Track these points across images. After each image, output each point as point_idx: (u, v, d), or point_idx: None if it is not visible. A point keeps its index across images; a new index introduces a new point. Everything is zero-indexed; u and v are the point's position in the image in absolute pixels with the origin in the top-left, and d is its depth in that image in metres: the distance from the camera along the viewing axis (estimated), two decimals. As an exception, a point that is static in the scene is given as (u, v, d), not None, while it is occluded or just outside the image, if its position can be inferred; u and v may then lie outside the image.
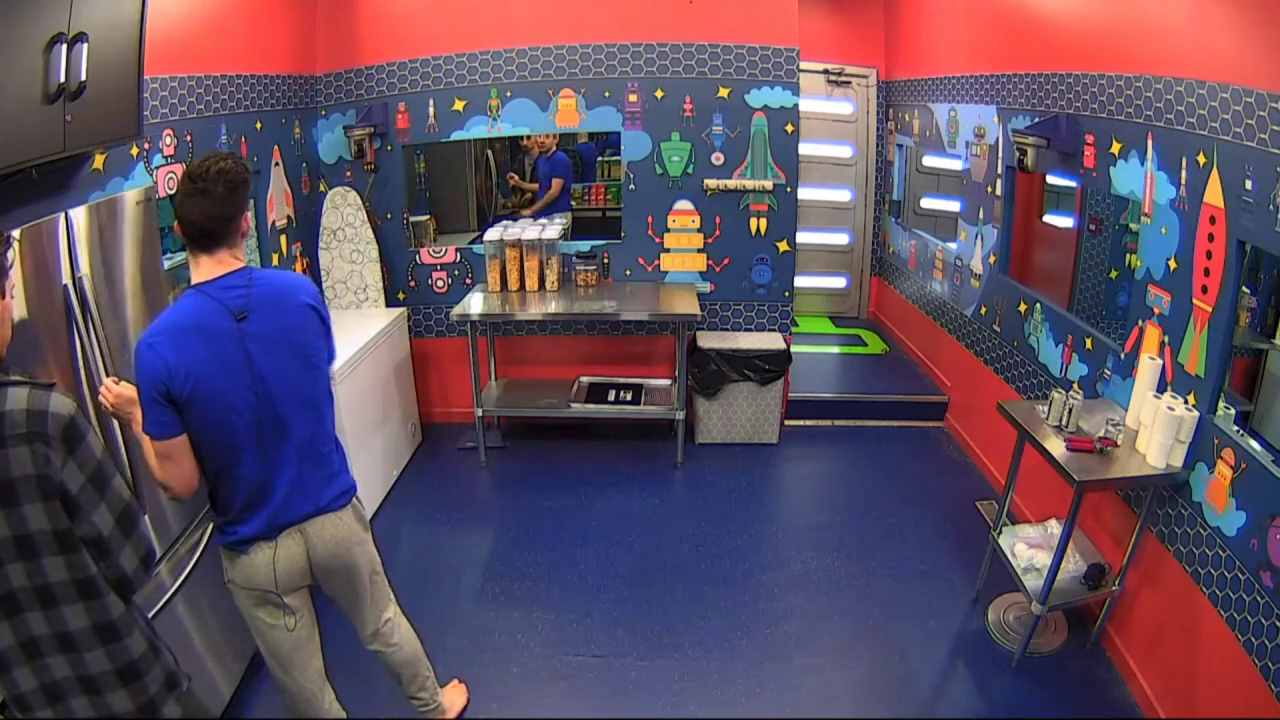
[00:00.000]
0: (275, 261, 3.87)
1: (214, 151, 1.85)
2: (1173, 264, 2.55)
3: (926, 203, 5.39)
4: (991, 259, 4.07)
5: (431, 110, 4.28)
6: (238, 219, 1.82)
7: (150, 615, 1.95)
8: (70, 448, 1.37)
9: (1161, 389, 2.58)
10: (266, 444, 1.86)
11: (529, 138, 5.49)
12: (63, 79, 1.95)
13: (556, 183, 5.46)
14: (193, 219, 1.76)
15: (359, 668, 2.81)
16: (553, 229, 4.32)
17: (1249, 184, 2.15)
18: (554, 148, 5.47)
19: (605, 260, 4.49)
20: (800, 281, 4.87)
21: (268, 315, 1.82)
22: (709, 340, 4.38)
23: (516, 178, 6.09)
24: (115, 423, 2.03)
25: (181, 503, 1.99)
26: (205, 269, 1.81)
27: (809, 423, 4.76)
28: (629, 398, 4.38)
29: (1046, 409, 2.80)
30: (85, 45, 2.01)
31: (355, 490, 2.08)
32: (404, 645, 2.33)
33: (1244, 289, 2.37)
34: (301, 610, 2.05)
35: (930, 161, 5.19)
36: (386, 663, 2.34)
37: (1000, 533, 3.03)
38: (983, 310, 4.18)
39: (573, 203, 5.79)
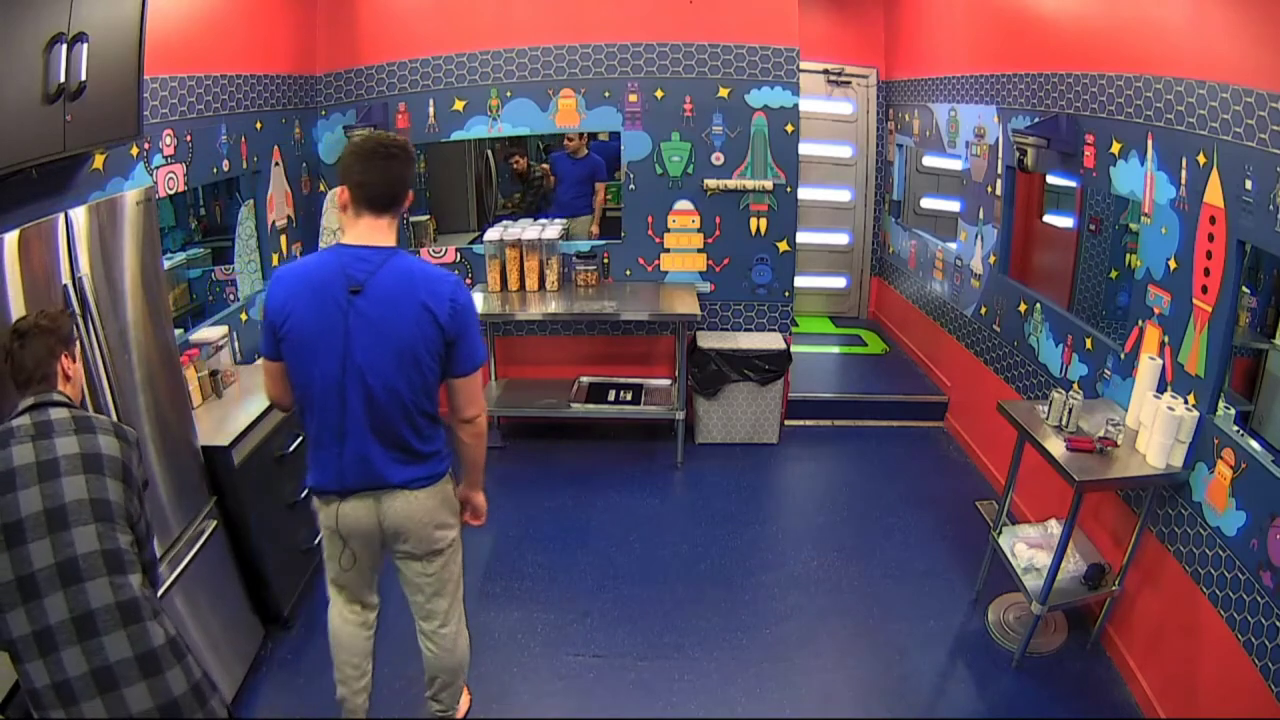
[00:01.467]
0: (275, 261, 3.88)
1: (380, 130, 2.10)
2: (1173, 264, 2.55)
3: (926, 203, 5.39)
4: (991, 259, 4.07)
5: (431, 110, 4.28)
6: (408, 189, 1.99)
7: None
8: (139, 456, 1.72)
9: (1161, 389, 2.58)
10: (345, 410, 1.92)
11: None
12: (63, 79, 1.95)
13: (600, 187, 5.23)
14: (374, 181, 1.88)
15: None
16: (553, 229, 4.31)
17: (1249, 184, 2.15)
18: (584, 149, 5.15)
19: (605, 260, 4.49)
20: (800, 281, 4.88)
21: (378, 301, 1.87)
22: (709, 340, 4.38)
23: (523, 161, 5.90)
24: None
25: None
26: (358, 233, 1.92)
27: (809, 423, 4.76)
28: (629, 398, 4.38)
29: (1046, 409, 2.80)
30: (85, 45, 2.01)
31: (437, 478, 2.08)
32: (454, 654, 2.32)
33: (1244, 289, 2.37)
34: (365, 563, 2.15)
35: (930, 161, 5.19)
36: (427, 662, 2.33)
37: (1000, 533, 3.03)
38: (983, 310, 4.18)
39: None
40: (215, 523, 2.58)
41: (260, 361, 2.10)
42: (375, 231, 1.91)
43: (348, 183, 1.90)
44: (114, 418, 2.14)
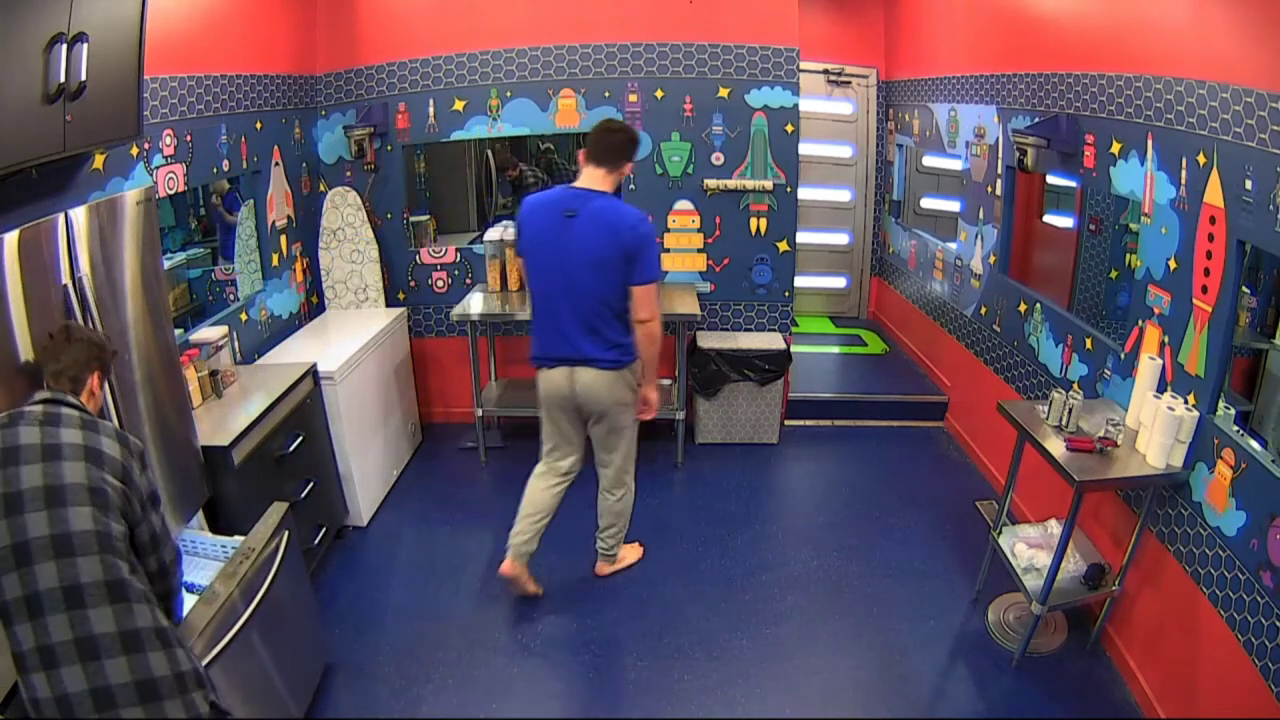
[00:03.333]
0: (275, 262, 3.88)
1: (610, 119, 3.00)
2: (1173, 264, 2.55)
3: (926, 203, 5.39)
4: (991, 259, 4.07)
5: (431, 110, 4.28)
6: (620, 156, 2.77)
7: (227, 638, 2.00)
8: (143, 465, 1.77)
9: (1161, 389, 2.58)
10: (554, 298, 2.76)
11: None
12: (63, 79, 1.95)
13: None
14: (595, 144, 2.76)
15: (361, 666, 2.82)
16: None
17: (1249, 184, 2.15)
18: None
19: (605, 260, 4.48)
20: (800, 281, 4.88)
21: (585, 224, 2.68)
22: (709, 340, 4.38)
23: (516, 171, 5.91)
24: None
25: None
26: (582, 179, 2.76)
27: (809, 423, 4.76)
28: (629, 398, 4.37)
29: (1046, 409, 2.80)
30: (85, 45, 2.01)
31: (620, 365, 2.82)
32: (615, 503, 3.13)
33: (1244, 289, 2.37)
34: (564, 424, 2.97)
35: (930, 161, 5.19)
36: (599, 504, 3.15)
37: (1000, 533, 3.03)
38: (983, 310, 4.18)
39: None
40: (289, 532, 2.46)
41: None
42: (593, 179, 2.74)
43: (585, 145, 2.78)
44: (115, 417, 2.15)
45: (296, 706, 2.46)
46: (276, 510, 2.49)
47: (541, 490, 3.04)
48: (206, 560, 2.42)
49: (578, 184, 2.74)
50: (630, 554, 3.41)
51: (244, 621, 2.08)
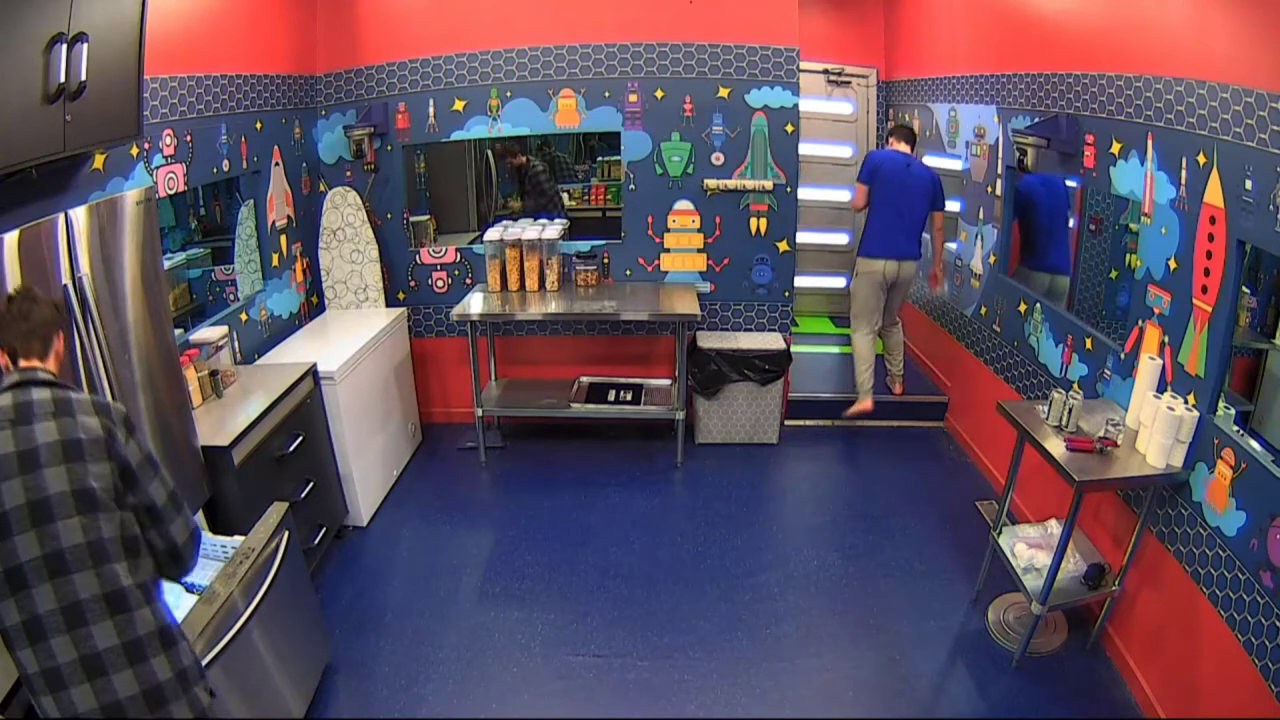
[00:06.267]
0: (275, 262, 3.88)
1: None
2: (1173, 264, 2.55)
3: (926, 203, 5.37)
4: (991, 259, 4.07)
5: (431, 110, 4.28)
6: (912, 137, 4.33)
7: (227, 638, 1.99)
8: (130, 430, 1.68)
9: (1161, 389, 2.58)
10: (894, 212, 4.21)
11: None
12: (63, 79, 1.95)
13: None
14: (893, 131, 4.38)
15: (361, 666, 2.82)
16: (553, 229, 4.31)
17: (1249, 184, 2.15)
18: None
19: (605, 260, 4.49)
20: (800, 281, 4.88)
21: (915, 172, 4.21)
22: (709, 340, 4.38)
23: (522, 158, 5.85)
24: None
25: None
26: (899, 148, 4.27)
27: (809, 423, 4.76)
28: (629, 398, 4.38)
29: (1046, 409, 2.80)
30: (85, 45, 2.01)
31: (919, 258, 4.34)
32: (891, 339, 4.63)
33: (1244, 289, 2.37)
34: (878, 297, 4.37)
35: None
36: (887, 342, 4.67)
37: (1000, 533, 3.03)
38: (983, 310, 4.18)
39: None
40: (289, 532, 2.46)
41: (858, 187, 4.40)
42: (902, 148, 4.26)
43: (890, 132, 4.43)
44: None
45: (297, 706, 2.46)
46: (276, 510, 2.48)
47: (867, 346, 4.43)
48: (206, 560, 2.41)
49: (899, 150, 4.27)
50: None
51: (244, 621, 2.08)
